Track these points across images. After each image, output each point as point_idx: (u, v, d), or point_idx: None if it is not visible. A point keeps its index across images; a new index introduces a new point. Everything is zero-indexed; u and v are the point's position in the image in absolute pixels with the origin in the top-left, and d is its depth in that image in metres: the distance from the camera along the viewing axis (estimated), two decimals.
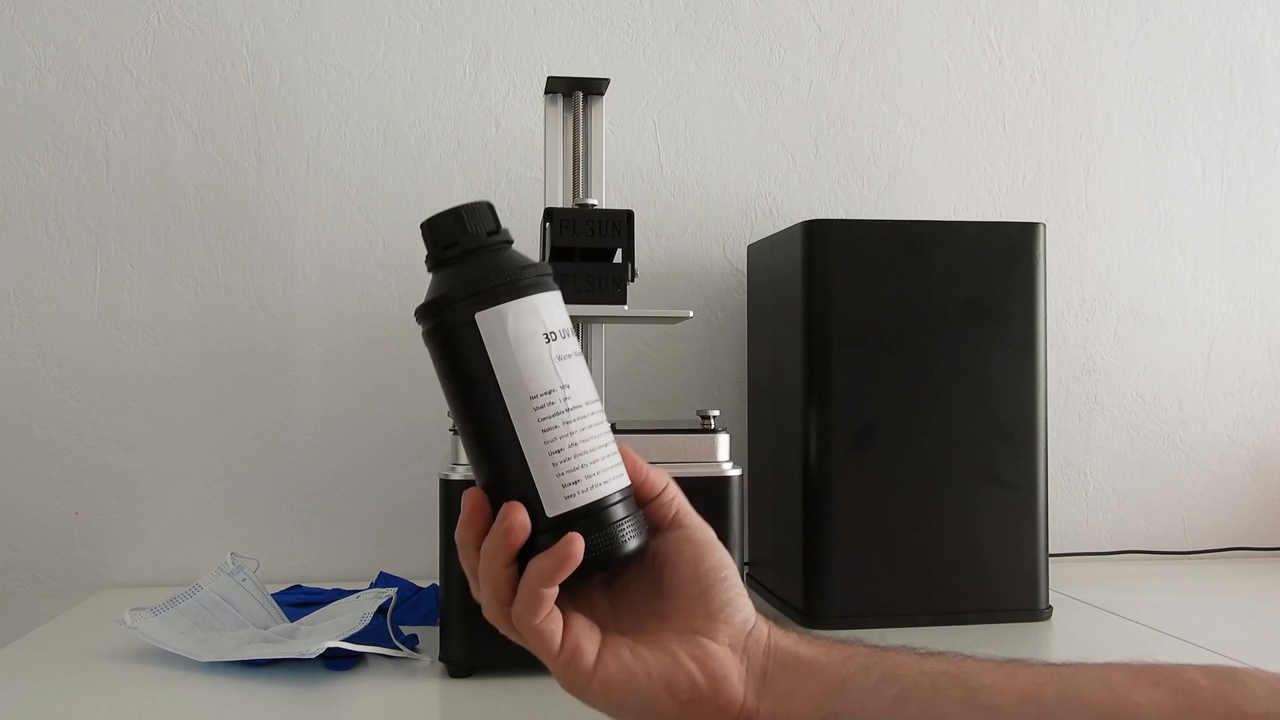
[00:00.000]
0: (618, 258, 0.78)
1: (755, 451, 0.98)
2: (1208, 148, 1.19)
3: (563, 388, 0.46)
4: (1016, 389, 0.85)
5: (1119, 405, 1.16)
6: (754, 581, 0.95)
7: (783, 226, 0.91)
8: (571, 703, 0.65)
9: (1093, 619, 0.87)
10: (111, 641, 0.78)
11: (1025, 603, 0.84)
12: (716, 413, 0.74)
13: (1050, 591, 0.87)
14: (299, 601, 0.86)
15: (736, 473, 0.73)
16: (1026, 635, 0.81)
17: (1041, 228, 0.87)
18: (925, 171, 1.13)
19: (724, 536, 0.71)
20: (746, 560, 0.95)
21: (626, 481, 0.47)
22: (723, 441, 0.73)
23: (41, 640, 0.81)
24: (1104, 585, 1.01)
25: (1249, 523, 1.18)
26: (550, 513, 0.44)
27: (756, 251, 1.00)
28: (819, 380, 0.83)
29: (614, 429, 0.73)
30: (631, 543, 0.45)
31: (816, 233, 0.84)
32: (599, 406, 0.48)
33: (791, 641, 0.47)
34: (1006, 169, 1.15)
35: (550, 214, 0.76)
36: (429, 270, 0.49)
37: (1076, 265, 1.16)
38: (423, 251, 0.51)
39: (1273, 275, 1.20)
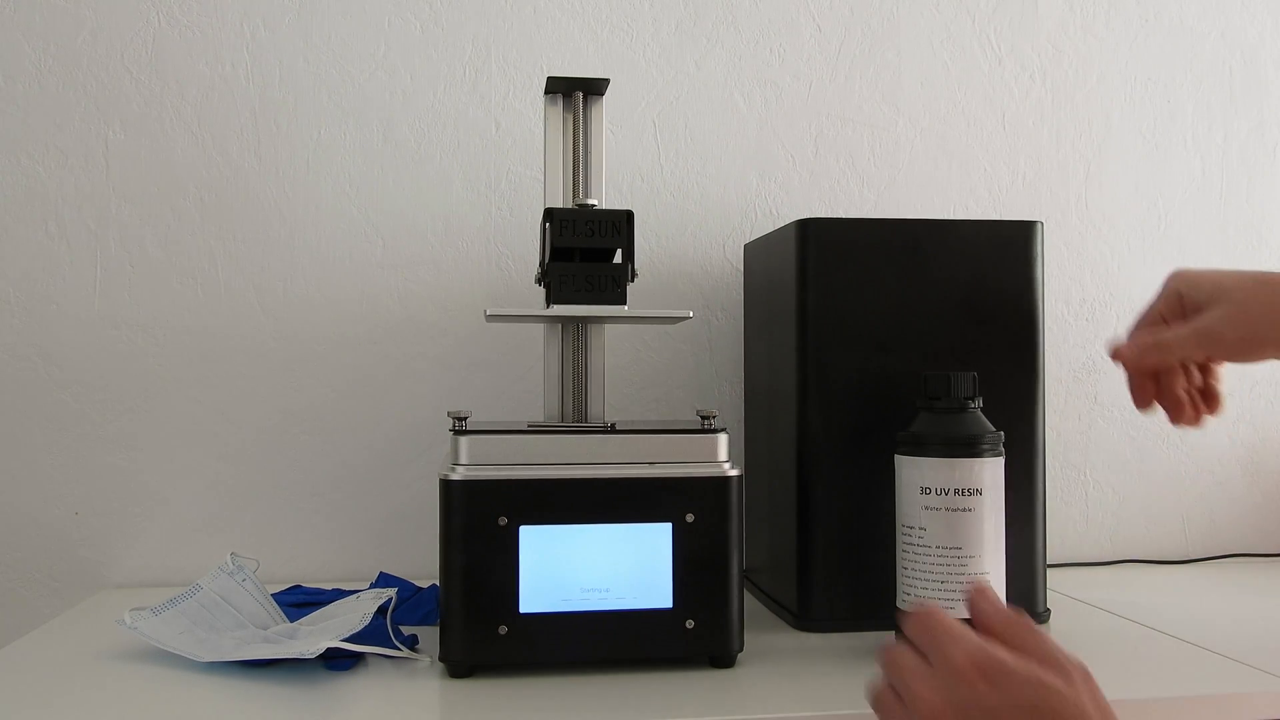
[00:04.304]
0: (618, 258, 0.78)
1: (751, 453, 0.98)
2: (1208, 148, 1.19)
3: None
4: (1015, 389, 0.85)
5: (1119, 405, 1.16)
6: (750, 583, 0.95)
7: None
8: (569, 703, 0.65)
9: (1092, 620, 0.87)
10: (111, 641, 0.78)
11: (1023, 605, 0.83)
12: (716, 413, 0.74)
13: (1049, 593, 0.87)
14: (299, 601, 0.86)
15: (736, 473, 0.73)
16: None
17: (1039, 225, 0.87)
18: (925, 171, 1.13)
19: (723, 538, 0.72)
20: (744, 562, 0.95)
21: None
22: (722, 441, 0.73)
23: (41, 640, 0.81)
24: (1103, 586, 1.01)
25: (1248, 523, 1.18)
26: None
27: (752, 251, 0.99)
28: (813, 380, 0.83)
29: (613, 429, 0.73)
30: None
31: (810, 231, 0.84)
32: None
33: None
34: (1006, 169, 1.15)
35: (550, 214, 0.76)
36: None
37: (1076, 265, 1.16)
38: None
39: None
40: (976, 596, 0.55)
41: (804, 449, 0.83)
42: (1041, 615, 0.86)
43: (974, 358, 0.84)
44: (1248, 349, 0.75)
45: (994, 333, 0.85)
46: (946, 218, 1.10)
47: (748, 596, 0.76)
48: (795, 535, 0.84)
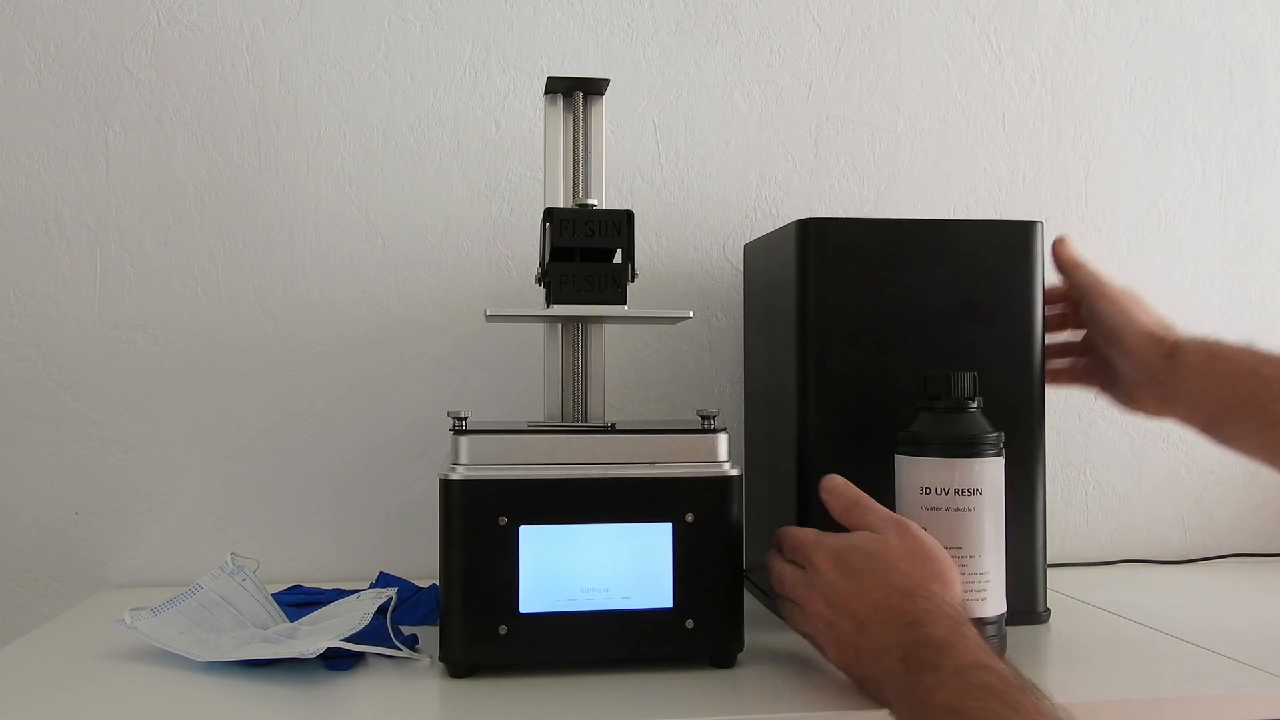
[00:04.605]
0: (618, 258, 0.78)
1: (751, 453, 0.98)
2: (1208, 148, 1.19)
3: None
4: (1015, 389, 0.85)
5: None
6: (750, 583, 0.95)
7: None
8: (569, 703, 0.65)
9: (1092, 620, 0.87)
10: (111, 641, 0.78)
11: (1023, 605, 0.84)
12: (717, 413, 0.74)
13: (1049, 593, 0.87)
14: (299, 601, 0.86)
15: (736, 473, 0.73)
16: (1025, 638, 0.80)
17: (1039, 225, 0.87)
18: (925, 171, 1.13)
19: (724, 538, 0.72)
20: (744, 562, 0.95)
21: None
22: (723, 441, 0.73)
23: (41, 640, 0.81)
24: (1103, 586, 1.01)
25: (1248, 523, 1.18)
26: None
27: (752, 251, 0.99)
28: (813, 380, 0.83)
29: (613, 429, 0.73)
30: None
31: (810, 231, 0.84)
32: None
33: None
34: (1006, 169, 1.15)
35: (550, 214, 0.76)
36: None
37: None
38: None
39: (1273, 275, 1.20)
40: (825, 495, 0.72)
41: (804, 449, 0.83)
42: (1041, 615, 0.86)
43: (974, 358, 0.83)
44: (1100, 331, 0.88)
45: (994, 333, 0.85)
46: (946, 218, 1.10)
47: (748, 596, 0.76)
48: None
